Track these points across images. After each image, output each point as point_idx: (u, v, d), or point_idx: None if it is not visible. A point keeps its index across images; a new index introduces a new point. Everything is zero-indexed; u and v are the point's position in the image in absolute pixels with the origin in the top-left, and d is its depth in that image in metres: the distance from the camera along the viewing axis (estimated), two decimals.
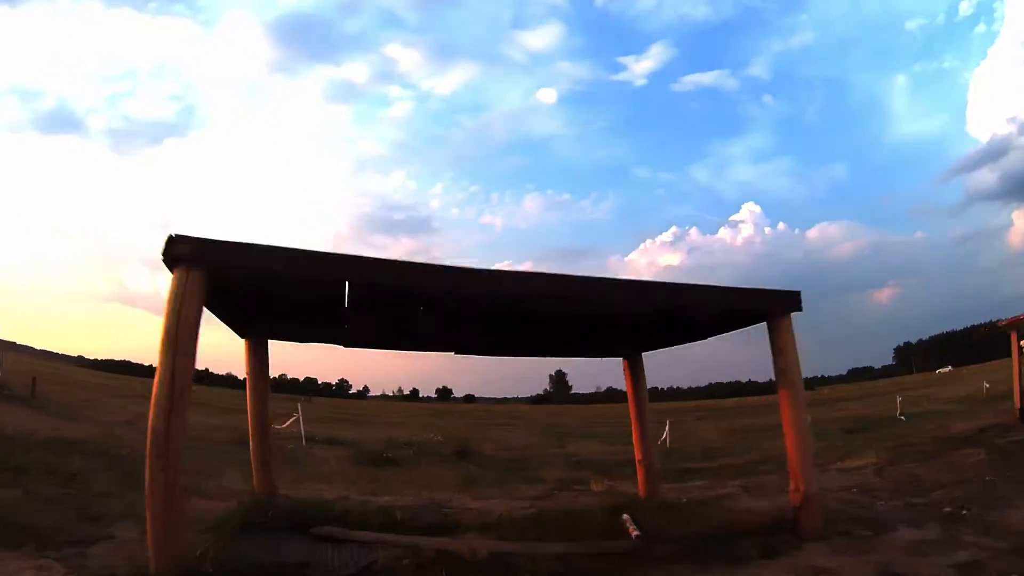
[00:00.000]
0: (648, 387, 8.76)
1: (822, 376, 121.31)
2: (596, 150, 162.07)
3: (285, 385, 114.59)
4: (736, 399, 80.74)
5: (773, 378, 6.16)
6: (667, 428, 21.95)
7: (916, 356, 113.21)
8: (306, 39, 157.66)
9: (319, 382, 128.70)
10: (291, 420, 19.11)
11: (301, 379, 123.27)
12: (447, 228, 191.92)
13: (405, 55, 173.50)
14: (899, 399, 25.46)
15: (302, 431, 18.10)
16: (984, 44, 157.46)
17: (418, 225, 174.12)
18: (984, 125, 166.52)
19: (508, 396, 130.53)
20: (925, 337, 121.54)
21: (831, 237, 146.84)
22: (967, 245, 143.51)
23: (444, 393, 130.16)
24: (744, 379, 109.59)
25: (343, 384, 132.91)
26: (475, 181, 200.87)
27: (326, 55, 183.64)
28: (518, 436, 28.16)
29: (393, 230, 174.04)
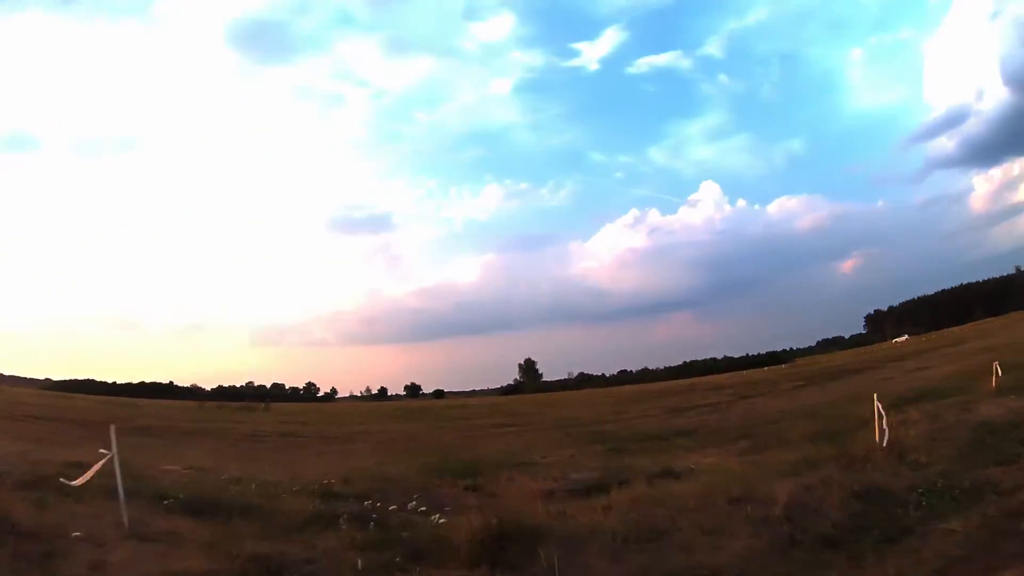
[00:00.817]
0: None
1: (792, 348, 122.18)
2: (552, 137, 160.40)
3: (248, 392, 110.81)
4: None
5: None
6: None
7: (888, 323, 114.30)
8: (261, 42, 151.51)
9: (287, 387, 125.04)
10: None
11: (268, 385, 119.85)
12: (406, 224, 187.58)
13: (359, 52, 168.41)
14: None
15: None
16: (939, 13, 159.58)
17: (378, 223, 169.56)
18: (941, 94, 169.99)
19: (477, 388, 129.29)
20: (895, 303, 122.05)
21: (792, 211, 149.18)
22: (929, 210, 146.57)
23: (413, 390, 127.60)
24: None
25: (311, 387, 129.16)
26: (433, 175, 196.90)
27: (281, 57, 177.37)
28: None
29: (354, 229, 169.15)
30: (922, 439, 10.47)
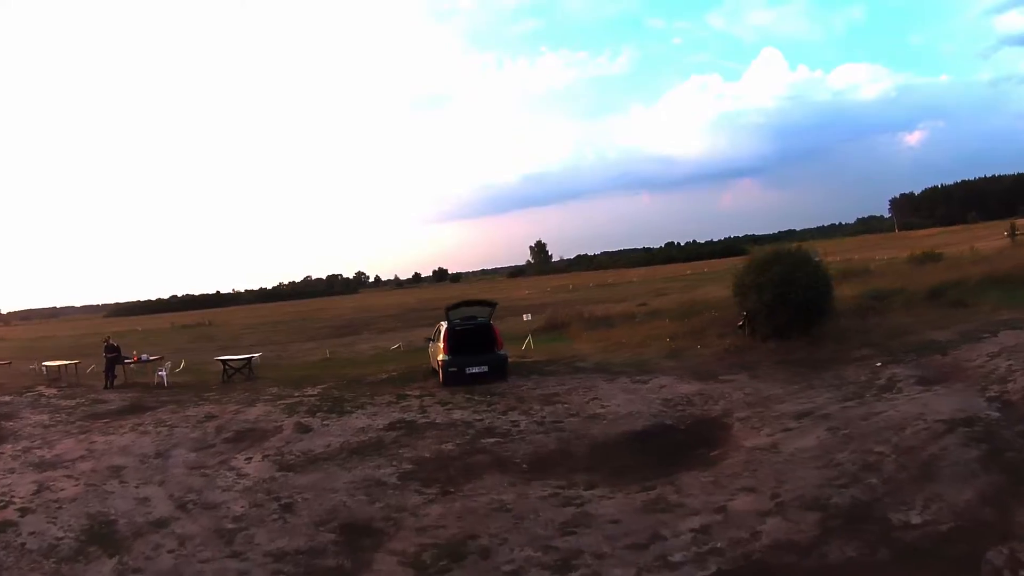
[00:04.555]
0: None
1: (838, 224, 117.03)
2: (607, 3, 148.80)
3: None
4: None
5: None
6: None
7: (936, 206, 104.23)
8: None
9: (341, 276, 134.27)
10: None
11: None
12: (466, 102, 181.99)
13: None
14: None
15: None
16: None
17: (440, 102, 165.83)
18: None
19: (500, 266, 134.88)
20: (960, 180, 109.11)
21: (855, 79, 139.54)
22: (999, 88, 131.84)
23: (440, 274, 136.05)
24: None
25: (360, 276, 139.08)
26: (488, 49, 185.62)
27: None
28: None
29: (420, 110, 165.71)
30: None
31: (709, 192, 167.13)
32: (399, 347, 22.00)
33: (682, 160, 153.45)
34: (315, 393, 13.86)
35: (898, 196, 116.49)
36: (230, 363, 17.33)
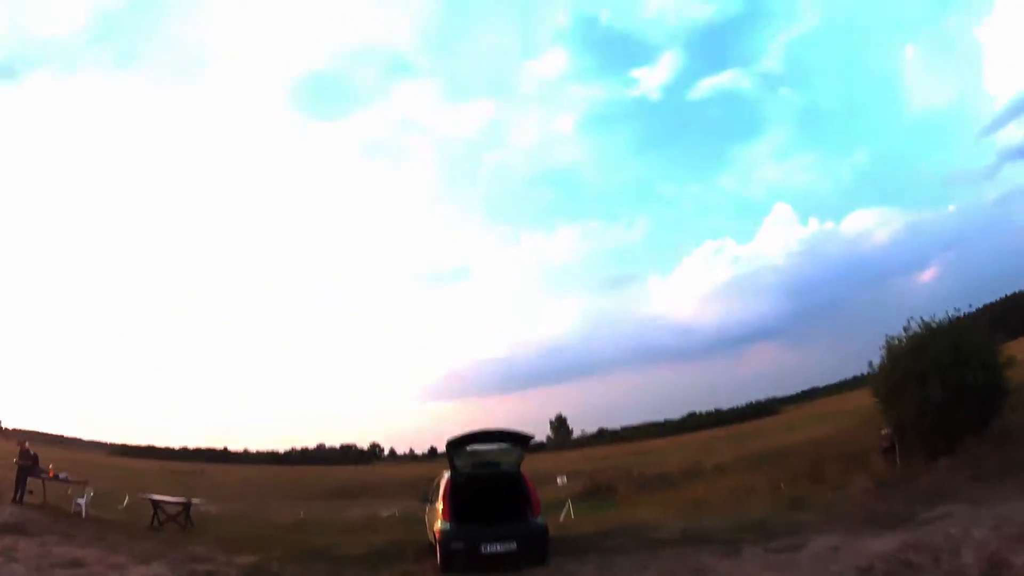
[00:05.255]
0: None
1: (861, 375, 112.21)
2: (619, 172, 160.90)
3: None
4: None
5: None
6: None
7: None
8: (322, 97, 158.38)
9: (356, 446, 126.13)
10: None
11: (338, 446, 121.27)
12: (484, 275, 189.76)
13: (420, 100, 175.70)
14: None
15: None
16: None
17: (458, 275, 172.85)
18: (1004, 81, 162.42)
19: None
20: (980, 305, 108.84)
21: (865, 225, 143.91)
22: (1005, 205, 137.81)
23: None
24: None
25: (374, 449, 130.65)
26: (505, 221, 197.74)
27: (342, 111, 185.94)
28: None
29: (437, 283, 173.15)
30: None
31: (728, 359, 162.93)
32: (394, 514, 17.11)
33: (699, 328, 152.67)
34: (244, 564, 9.32)
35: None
36: (163, 506, 12.93)
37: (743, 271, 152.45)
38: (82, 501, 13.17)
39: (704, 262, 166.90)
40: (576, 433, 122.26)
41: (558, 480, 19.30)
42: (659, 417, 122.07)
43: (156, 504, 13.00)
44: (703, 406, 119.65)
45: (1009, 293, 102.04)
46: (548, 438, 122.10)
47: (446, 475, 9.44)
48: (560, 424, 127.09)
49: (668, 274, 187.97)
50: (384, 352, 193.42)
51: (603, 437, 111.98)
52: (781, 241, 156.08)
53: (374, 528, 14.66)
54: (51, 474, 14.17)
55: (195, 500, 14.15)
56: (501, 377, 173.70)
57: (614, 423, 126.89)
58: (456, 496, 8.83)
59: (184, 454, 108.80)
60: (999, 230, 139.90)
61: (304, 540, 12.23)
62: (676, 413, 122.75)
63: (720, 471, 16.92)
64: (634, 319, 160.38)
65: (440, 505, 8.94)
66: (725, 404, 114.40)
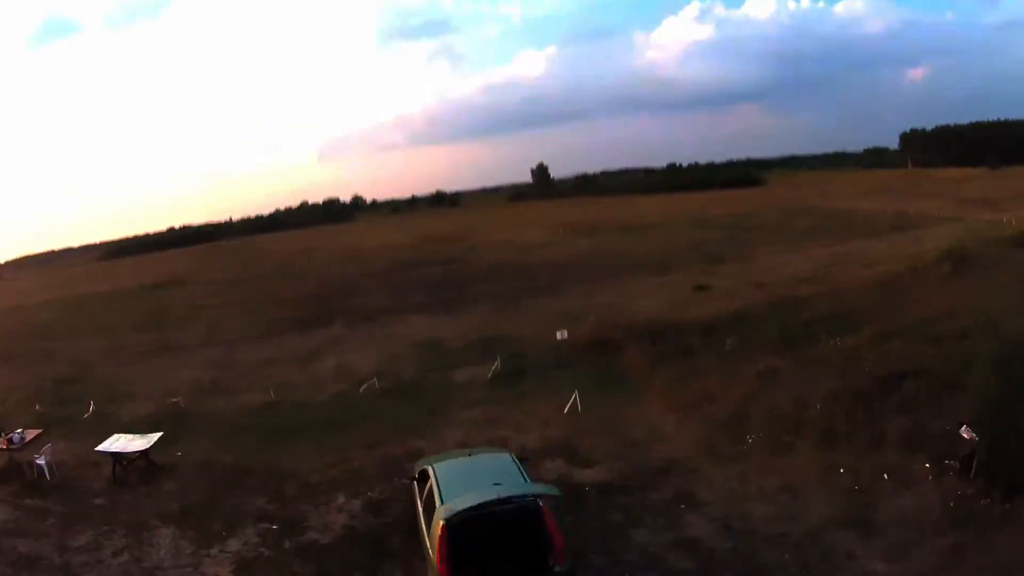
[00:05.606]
0: None
1: (842, 152, 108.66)
2: None
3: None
4: None
5: None
6: None
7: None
8: None
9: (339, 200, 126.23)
10: None
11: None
12: (465, 26, 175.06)
13: None
14: None
15: None
16: None
17: (436, 28, 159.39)
18: None
19: (502, 185, 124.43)
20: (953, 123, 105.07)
21: (858, 11, 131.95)
22: (1005, 32, 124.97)
23: (439, 198, 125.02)
24: None
25: (357, 200, 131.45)
26: None
27: None
28: None
29: (414, 35, 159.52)
30: None
31: (710, 115, 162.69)
32: (373, 383, 16.70)
33: (682, 82, 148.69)
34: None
35: (908, 131, 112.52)
36: (122, 457, 12.11)
37: (729, 34, 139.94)
38: (41, 462, 11.66)
39: (690, 21, 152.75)
40: (556, 178, 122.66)
41: (557, 335, 18.12)
42: (640, 164, 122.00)
43: (115, 458, 12.12)
44: (685, 158, 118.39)
45: (1001, 119, 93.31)
46: (529, 186, 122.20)
47: (440, 510, 6.78)
48: (541, 172, 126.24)
49: (651, 30, 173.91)
50: (352, 97, 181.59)
51: (583, 187, 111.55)
52: (771, 10, 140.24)
53: (350, 422, 13.67)
54: (4, 443, 12.25)
55: (153, 437, 12.72)
56: (483, 122, 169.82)
57: (596, 168, 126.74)
58: (452, 543, 6.50)
59: (175, 237, 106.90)
60: (998, 53, 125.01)
61: (282, 470, 11.49)
62: (658, 163, 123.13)
63: (742, 343, 15.62)
64: (617, 71, 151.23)
65: (433, 551, 6.65)
66: (705, 159, 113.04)
